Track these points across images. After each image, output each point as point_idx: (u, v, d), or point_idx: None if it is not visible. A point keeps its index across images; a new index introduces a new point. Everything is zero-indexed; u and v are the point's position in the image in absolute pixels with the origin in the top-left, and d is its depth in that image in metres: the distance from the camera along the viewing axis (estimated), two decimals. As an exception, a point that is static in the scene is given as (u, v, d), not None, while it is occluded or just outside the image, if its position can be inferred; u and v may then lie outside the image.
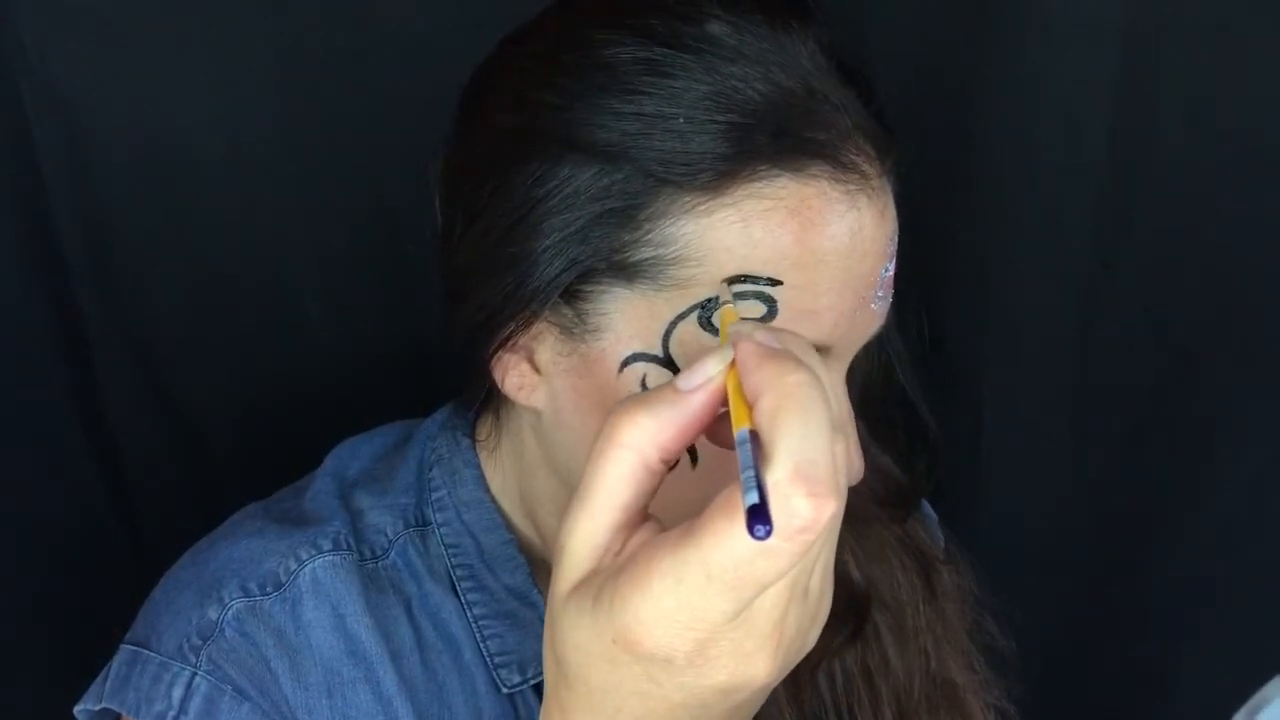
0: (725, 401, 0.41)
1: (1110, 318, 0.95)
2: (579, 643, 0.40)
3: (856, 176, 0.52)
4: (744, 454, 0.36)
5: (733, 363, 0.40)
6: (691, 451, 0.54)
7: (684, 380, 0.40)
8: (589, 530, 0.40)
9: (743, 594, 0.37)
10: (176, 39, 0.81)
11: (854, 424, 0.56)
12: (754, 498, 0.35)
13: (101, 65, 0.80)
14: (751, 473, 0.35)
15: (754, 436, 0.37)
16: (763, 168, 0.51)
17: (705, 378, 0.40)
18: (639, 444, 0.40)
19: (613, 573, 0.39)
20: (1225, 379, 0.93)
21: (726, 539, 0.36)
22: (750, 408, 0.38)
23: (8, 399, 0.84)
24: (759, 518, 0.34)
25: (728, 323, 0.49)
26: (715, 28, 0.52)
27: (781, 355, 0.39)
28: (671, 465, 0.41)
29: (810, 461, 0.36)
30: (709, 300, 0.51)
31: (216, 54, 0.82)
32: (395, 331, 0.88)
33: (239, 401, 0.90)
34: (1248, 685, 0.45)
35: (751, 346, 0.39)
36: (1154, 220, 0.91)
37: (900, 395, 0.66)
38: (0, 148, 0.79)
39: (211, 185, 0.85)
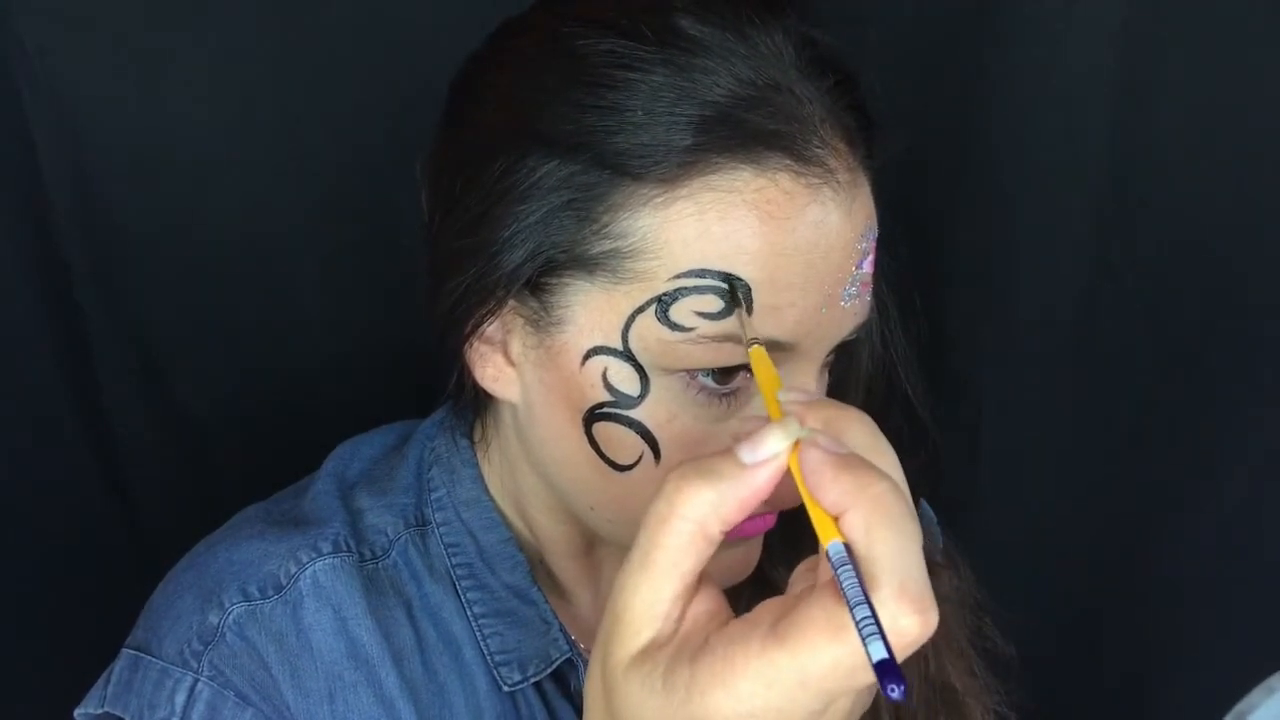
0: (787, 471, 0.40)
1: (1110, 317, 0.95)
2: (643, 717, 0.40)
3: (820, 170, 0.52)
4: (846, 578, 0.36)
5: (798, 443, 0.40)
6: (655, 448, 0.54)
7: (748, 453, 0.40)
8: (650, 599, 0.40)
9: (834, 698, 0.38)
10: (176, 39, 0.81)
11: None
12: (882, 650, 0.34)
13: (101, 65, 0.80)
14: (865, 610, 0.35)
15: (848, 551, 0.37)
16: (721, 160, 0.51)
17: (770, 454, 0.40)
18: (700, 516, 0.39)
19: (683, 652, 0.39)
20: (1225, 379, 0.93)
21: (825, 652, 0.36)
22: (833, 517, 0.38)
23: (8, 398, 0.84)
24: (892, 675, 0.34)
25: (759, 363, 0.48)
26: (680, 21, 0.52)
27: (855, 463, 0.38)
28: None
29: (911, 578, 0.36)
30: (666, 294, 0.51)
31: (217, 54, 0.82)
32: (395, 331, 0.88)
33: (239, 401, 0.90)
34: (1248, 687, 0.45)
35: (820, 455, 0.39)
36: (1154, 220, 0.91)
37: (901, 395, 0.66)
38: (0, 148, 0.79)
39: (211, 185, 0.85)
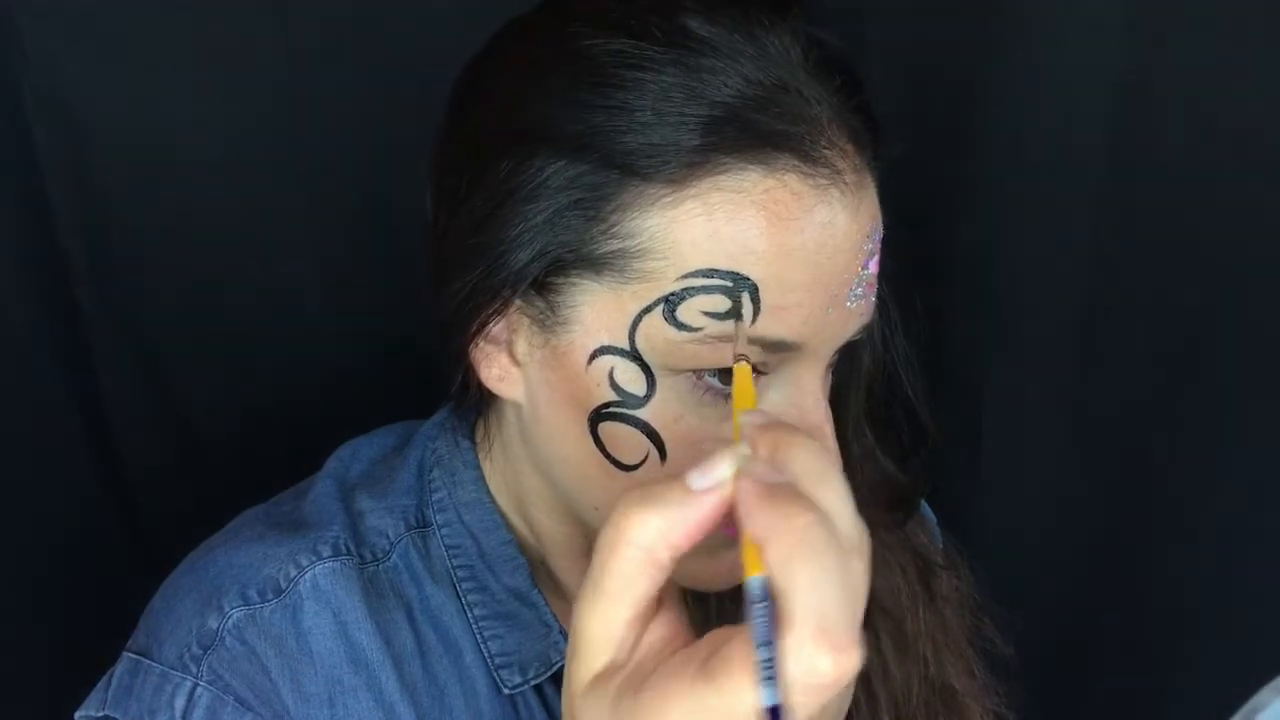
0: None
1: (1110, 318, 0.95)
2: None
3: (827, 171, 0.52)
4: (758, 615, 0.35)
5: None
6: (660, 448, 0.54)
7: (695, 480, 0.40)
8: (603, 624, 0.40)
9: None
10: (176, 40, 0.81)
11: (831, 425, 0.56)
12: (773, 696, 0.34)
13: (101, 65, 0.80)
14: (767, 651, 0.34)
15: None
16: (729, 161, 0.51)
17: (717, 481, 0.39)
18: (648, 543, 0.39)
19: (632, 680, 0.39)
20: (1225, 379, 0.93)
21: (750, 693, 0.36)
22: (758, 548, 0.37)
23: (7, 399, 0.84)
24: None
25: (739, 381, 0.48)
26: (689, 21, 0.52)
27: (782, 494, 0.38)
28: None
29: (829, 616, 0.35)
30: (673, 294, 0.51)
31: (216, 55, 0.82)
32: (395, 332, 0.88)
33: (239, 402, 0.90)
34: (1249, 687, 0.45)
35: (748, 485, 0.38)
36: (1153, 220, 0.91)
37: (902, 396, 0.66)
38: (0, 148, 0.79)
39: (211, 185, 0.84)
